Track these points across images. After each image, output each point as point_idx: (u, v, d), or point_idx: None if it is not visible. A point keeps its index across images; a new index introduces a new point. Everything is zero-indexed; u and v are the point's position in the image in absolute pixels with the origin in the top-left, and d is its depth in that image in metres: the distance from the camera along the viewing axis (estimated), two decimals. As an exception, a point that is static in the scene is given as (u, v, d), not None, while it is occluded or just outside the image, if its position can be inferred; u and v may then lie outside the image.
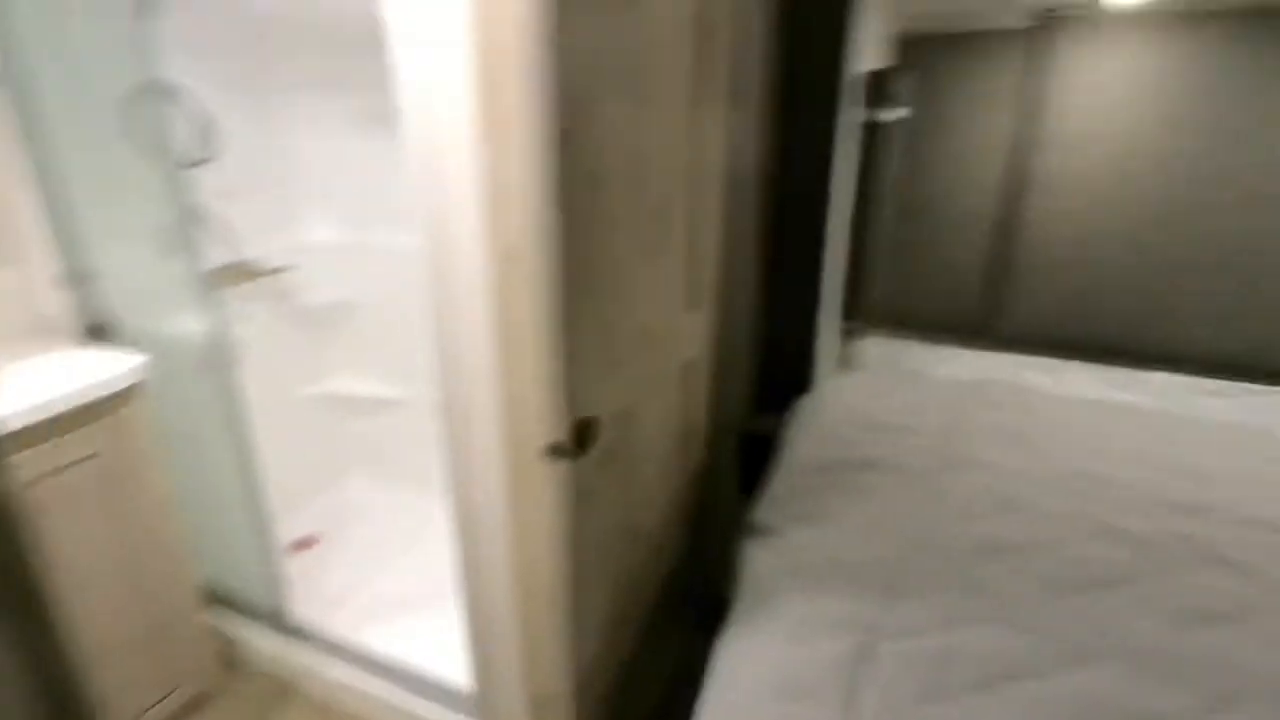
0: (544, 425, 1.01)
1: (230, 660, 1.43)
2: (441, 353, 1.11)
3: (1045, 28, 1.90)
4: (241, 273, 1.56)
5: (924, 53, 2.05)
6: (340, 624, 1.37)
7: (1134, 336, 2.06)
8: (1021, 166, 2.04)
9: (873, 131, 1.78)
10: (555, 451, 1.04)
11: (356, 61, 1.43)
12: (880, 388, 1.86)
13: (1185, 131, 1.86)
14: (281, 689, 1.39)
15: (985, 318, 2.24)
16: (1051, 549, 1.20)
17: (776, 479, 1.47)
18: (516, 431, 1.08)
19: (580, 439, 1.09)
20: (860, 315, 2.09)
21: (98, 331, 1.31)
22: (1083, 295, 2.07)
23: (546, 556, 1.12)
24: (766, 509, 1.37)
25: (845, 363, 2.21)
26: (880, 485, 1.40)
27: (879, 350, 2.21)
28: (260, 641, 1.41)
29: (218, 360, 1.25)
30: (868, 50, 1.79)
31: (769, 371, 1.85)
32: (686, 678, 1.86)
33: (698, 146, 1.41)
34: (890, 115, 1.80)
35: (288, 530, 1.64)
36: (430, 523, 1.75)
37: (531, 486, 1.09)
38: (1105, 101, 1.90)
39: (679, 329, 1.50)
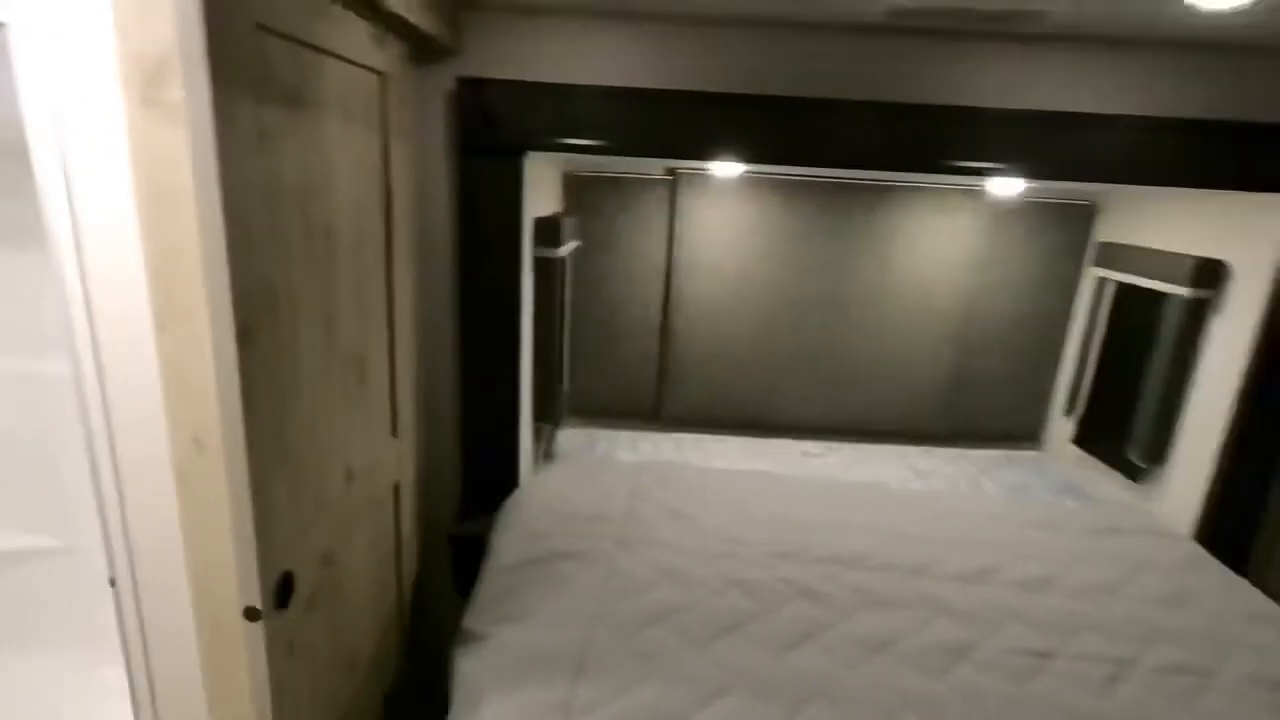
0: (240, 590, 1.05)
1: None
2: (122, 523, 1.09)
3: (676, 181, 2.45)
4: None
5: (592, 190, 2.47)
6: None
7: (759, 413, 2.67)
8: (671, 286, 2.55)
9: (550, 263, 2.10)
10: (251, 614, 1.09)
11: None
12: (573, 479, 2.15)
13: (776, 263, 2.52)
14: None
15: (656, 405, 2.70)
16: (697, 607, 1.55)
17: (483, 583, 1.63)
18: (212, 598, 1.10)
19: (279, 597, 1.14)
20: (556, 413, 2.38)
21: None
22: (722, 384, 2.64)
23: (254, 717, 1.13)
24: (474, 616, 1.52)
25: (546, 457, 2.48)
26: (573, 573, 1.64)
27: (575, 441, 2.53)
28: None
29: None
30: (541, 199, 2.12)
31: (478, 476, 2.02)
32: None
33: (391, 292, 1.56)
34: (564, 250, 2.15)
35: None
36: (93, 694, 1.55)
37: (231, 650, 1.11)
38: (721, 239, 2.50)
39: (384, 458, 1.60)
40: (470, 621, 1.50)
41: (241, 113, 0.90)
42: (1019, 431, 2.78)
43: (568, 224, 2.17)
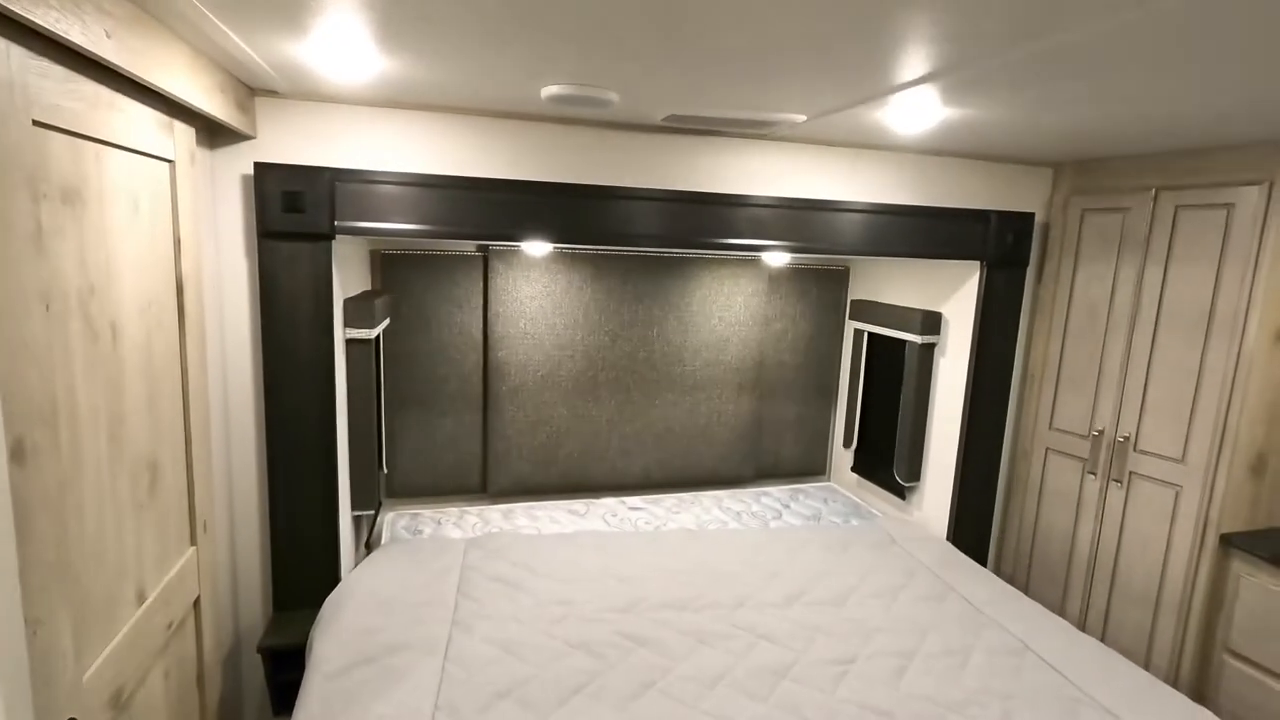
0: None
1: None
2: None
3: (487, 257, 2.52)
4: None
5: (402, 267, 2.46)
6: None
7: (583, 475, 2.76)
8: (489, 358, 2.59)
9: (363, 344, 2.06)
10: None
11: None
12: (400, 564, 2.06)
13: (588, 329, 2.67)
14: None
15: (482, 478, 2.69)
16: (540, 675, 1.56)
17: (307, 696, 1.50)
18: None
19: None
20: (376, 499, 2.28)
21: None
22: (545, 449, 2.70)
23: None
24: (301, 731, 1.40)
25: (367, 546, 2.35)
26: (407, 666, 1.58)
27: (399, 524, 2.42)
28: None
29: None
30: (351, 278, 2.08)
31: (292, 576, 1.87)
32: None
33: (186, 388, 1.45)
34: (377, 330, 2.11)
35: None
36: None
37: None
38: (535, 309, 2.61)
39: (183, 572, 1.45)
40: (295, 739, 1.38)
41: (17, 213, 0.84)
42: (810, 467, 3.16)
43: (379, 303, 2.14)
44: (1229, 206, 1.87)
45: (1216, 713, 1.76)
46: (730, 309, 2.84)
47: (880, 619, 1.89)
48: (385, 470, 2.45)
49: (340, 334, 1.92)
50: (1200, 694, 1.97)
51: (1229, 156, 1.88)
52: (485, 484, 2.71)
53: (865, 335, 2.87)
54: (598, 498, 2.77)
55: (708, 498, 2.85)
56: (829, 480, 3.18)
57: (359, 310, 2.02)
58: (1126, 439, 2.14)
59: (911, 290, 2.67)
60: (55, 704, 0.96)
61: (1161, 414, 2.05)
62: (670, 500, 2.80)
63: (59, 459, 0.97)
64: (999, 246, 2.27)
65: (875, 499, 2.88)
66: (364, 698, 1.47)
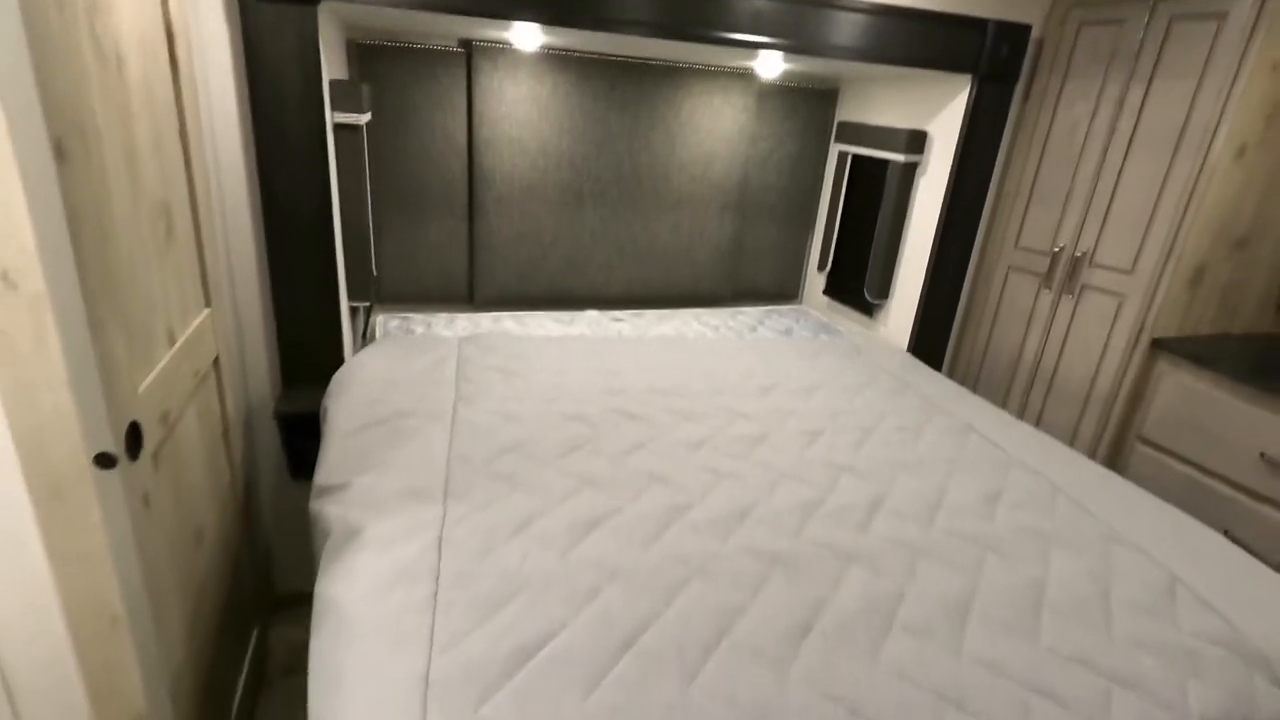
0: (85, 441, 1.00)
1: None
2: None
3: (470, 53, 2.41)
4: None
5: (380, 60, 2.35)
6: None
7: (568, 286, 2.84)
8: (475, 164, 2.55)
9: (352, 131, 2.01)
10: (105, 461, 1.05)
11: None
12: (401, 352, 2.16)
13: (574, 138, 2.63)
14: None
15: (469, 287, 2.74)
16: (542, 438, 1.72)
17: (328, 448, 1.64)
18: (44, 458, 1.02)
19: (130, 444, 1.11)
20: (371, 295, 2.33)
21: None
22: (531, 261, 2.75)
23: (111, 576, 1.10)
24: (327, 473, 1.54)
25: (368, 337, 2.44)
26: (419, 428, 1.72)
27: (394, 324, 2.50)
28: None
29: None
30: (331, 63, 1.99)
31: (298, 355, 1.95)
32: (265, 668, 1.92)
33: (185, 139, 1.43)
34: (365, 118, 2.06)
35: None
36: None
37: (78, 511, 1.05)
38: (522, 115, 2.54)
39: (202, 327, 1.52)
40: (325, 478, 1.53)
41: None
42: (784, 290, 3.29)
43: (365, 90, 2.07)
44: (1221, 17, 1.89)
45: (1122, 484, 2.05)
46: (718, 124, 2.81)
47: (845, 406, 2.09)
48: (375, 273, 2.48)
49: (329, 117, 1.88)
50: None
51: (1232, -36, 1.87)
52: (472, 294, 2.77)
53: (849, 159, 2.90)
54: (582, 310, 2.87)
55: (687, 313, 2.97)
56: (801, 304, 3.33)
57: (345, 93, 1.95)
58: (1084, 254, 2.28)
59: (899, 110, 2.67)
60: (119, 405, 1.05)
61: (1120, 229, 2.18)
62: (651, 315, 2.92)
63: (90, 172, 0.99)
64: (993, 59, 2.27)
65: (844, 320, 3.05)
66: (380, 450, 1.61)
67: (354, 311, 2.31)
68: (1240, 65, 1.86)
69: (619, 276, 2.93)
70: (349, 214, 2.08)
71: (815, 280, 3.22)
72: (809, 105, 2.95)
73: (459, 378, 2.02)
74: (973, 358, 2.75)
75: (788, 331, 2.88)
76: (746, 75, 2.76)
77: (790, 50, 2.12)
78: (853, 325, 2.98)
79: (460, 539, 1.30)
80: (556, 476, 1.56)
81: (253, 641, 1.86)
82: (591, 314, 2.84)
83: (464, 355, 2.18)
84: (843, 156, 2.93)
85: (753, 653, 1.11)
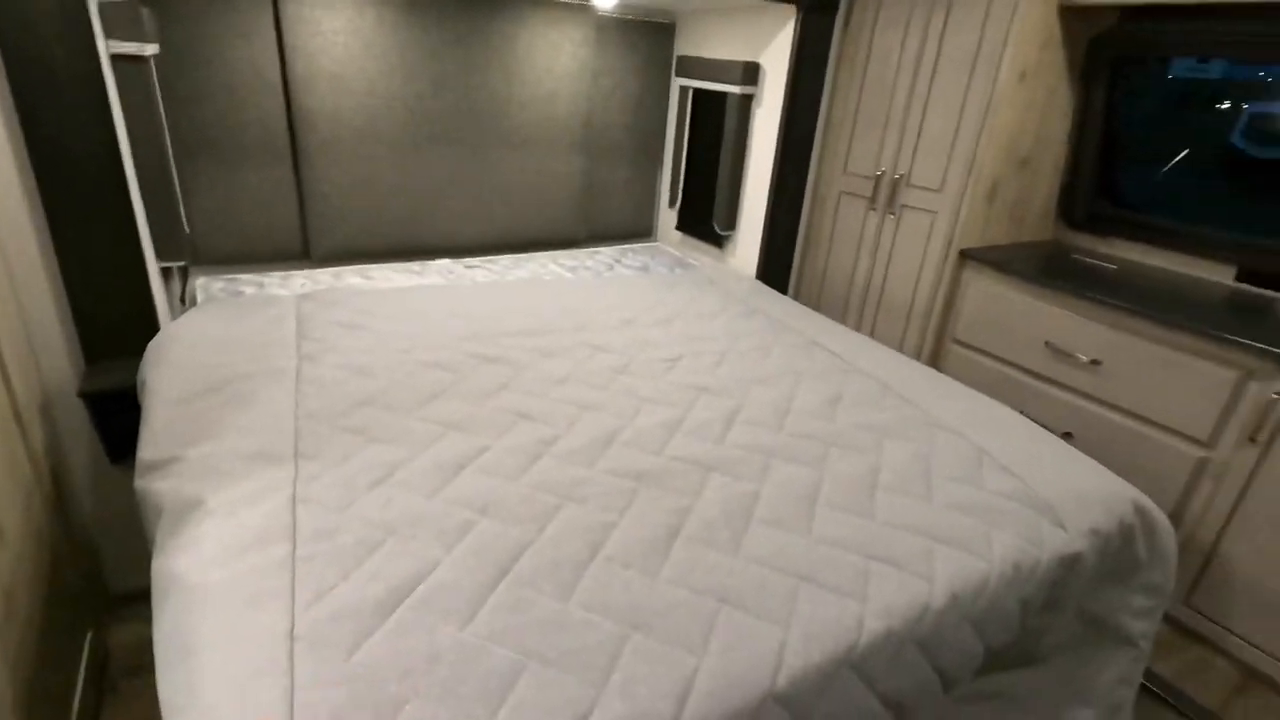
0: None
1: None
2: None
3: (274, -24, 2.16)
4: None
5: (159, -17, 2.05)
6: None
7: (415, 236, 2.70)
8: (293, 104, 2.32)
9: (137, 63, 1.75)
10: None
11: None
12: (230, 313, 1.97)
13: (405, 77, 2.46)
14: None
15: (303, 241, 2.53)
16: (398, 388, 1.66)
17: (152, 420, 1.48)
18: None
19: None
20: (186, 254, 2.09)
21: None
22: (371, 210, 2.58)
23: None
24: (154, 448, 1.40)
25: (187, 302, 2.19)
26: (259, 389, 1.59)
27: (217, 286, 2.26)
28: None
29: None
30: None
31: (101, 326, 1.72)
32: (107, 671, 1.76)
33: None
34: (150, 49, 1.80)
35: None
36: None
37: None
38: (343, 50, 2.34)
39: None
40: (152, 454, 1.38)
41: None
42: (637, 228, 3.33)
43: (146, 13, 1.80)
44: (1003, -50, 2.08)
45: (941, 380, 2.32)
46: (558, 59, 2.74)
47: (701, 331, 2.18)
48: (188, 230, 2.22)
49: (104, 47, 1.62)
50: (932, 375, 2.56)
51: (1009, -99, 2.06)
52: (307, 248, 2.57)
53: (690, 93, 2.94)
54: (432, 259, 2.75)
55: (544, 256, 2.94)
56: (655, 241, 3.39)
57: (122, 17, 1.69)
58: (902, 176, 2.50)
59: (734, 43, 2.74)
60: None
61: (930, 151, 2.40)
62: (507, 259, 2.85)
63: None
64: (814, -10, 2.37)
65: (697, 254, 3.14)
66: (215, 416, 1.48)
67: (166, 274, 2.07)
68: (1019, -4, 2.08)
69: (470, 223, 2.83)
70: (144, 161, 1.83)
71: (668, 217, 3.28)
72: (648, 40, 2.95)
73: (300, 335, 1.88)
74: (814, 280, 2.95)
75: (644, 268, 2.93)
76: (584, 7, 2.69)
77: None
78: (706, 258, 3.09)
79: (317, 494, 1.24)
80: (418, 424, 1.52)
81: (87, 644, 1.68)
82: (443, 263, 2.73)
83: (304, 312, 2.03)
84: (684, 91, 2.97)
85: (624, 564, 1.16)
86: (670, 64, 3.05)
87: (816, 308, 2.94)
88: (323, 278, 2.44)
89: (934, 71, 2.34)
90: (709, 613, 1.08)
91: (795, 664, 1.03)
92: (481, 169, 2.76)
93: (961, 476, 1.52)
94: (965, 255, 2.39)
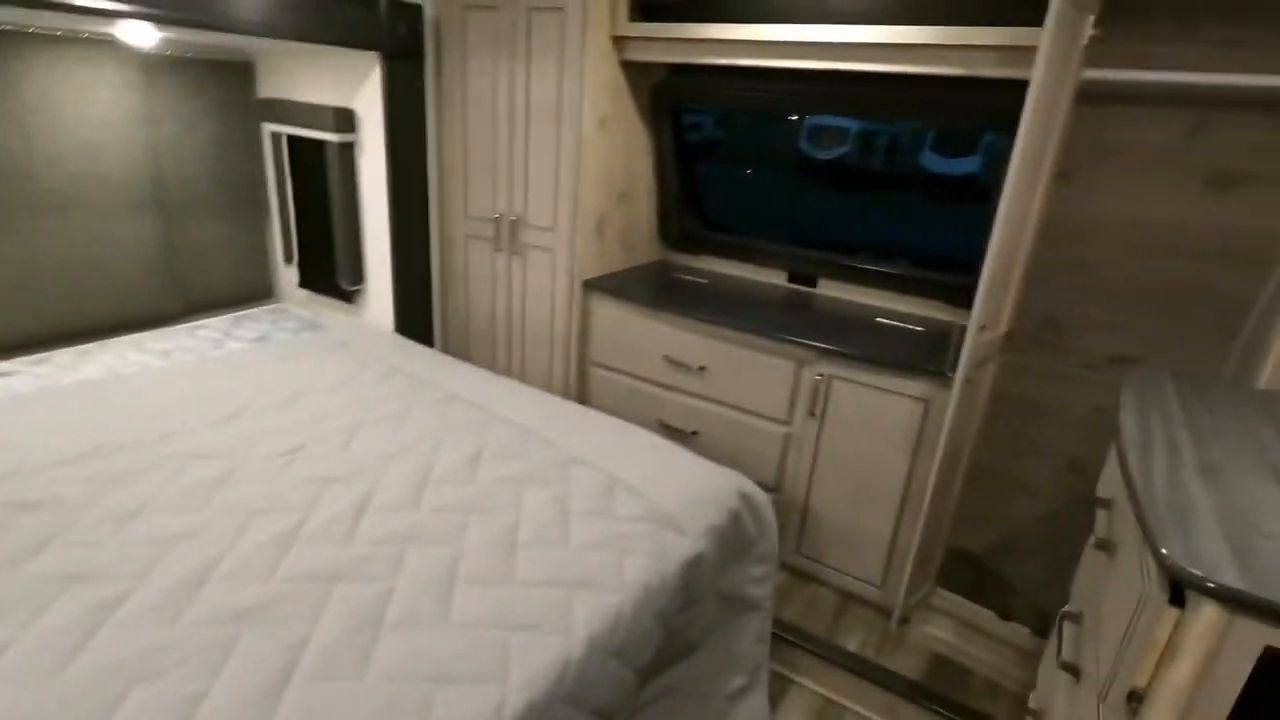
0: None
1: None
2: None
3: None
4: None
5: None
6: None
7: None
8: None
9: None
10: None
11: None
12: None
13: None
14: None
15: None
16: None
17: None
18: None
19: None
20: None
21: None
22: None
23: None
24: None
25: None
26: None
27: None
28: None
29: None
30: None
31: None
32: None
33: None
34: None
35: None
36: None
37: None
38: None
39: None
40: None
41: None
42: (254, 290, 2.93)
43: None
44: (561, 10, 2.27)
45: (587, 404, 2.46)
46: (93, 105, 2.25)
47: (329, 406, 1.98)
48: None
49: None
50: (581, 397, 2.71)
51: (559, -34, 2.25)
52: None
53: (284, 138, 2.67)
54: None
55: (123, 343, 2.40)
56: (278, 302, 3.02)
57: None
58: (518, 218, 2.59)
59: (324, 87, 2.54)
60: None
61: (539, 193, 2.52)
62: (66, 355, 2.27)
63: None
64: (394, 37, 2.31)
65: (328, 310, 2.88)
66: None
67: None
68: (583, 51, 2.28)
69: (3, 313, 2.18)
70: None
71: (290, 274, 2.95)
72: (219, 81, 2.58)
73: None
74: (459, 322, 2.91)
75: (263, 338, 2.59)
76: (113, 44, 2.25)
77: (159, 20, 1.78)
78: (338, 315, 2.84)
79: None
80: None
81: None
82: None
83: None
84: (276, 137, 2.68)
85: (220, 738, 0.97)
86: (250, 106, 2.72)
87: (466, 348, 2.91)
88: None
89: (527, 120, 2.46)
90: (327, 766, 0.96)
91: (431, 786, 0.96)
92: (6, 244, 2.15)
93: (596, 510, 1.60)
94: (588, 285, 2.57)
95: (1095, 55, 1.64)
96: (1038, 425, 2.25)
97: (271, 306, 2.92)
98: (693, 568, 1.56)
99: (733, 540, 1.74)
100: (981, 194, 2.36)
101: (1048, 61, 1.47)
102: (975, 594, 2.27)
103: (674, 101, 2.61)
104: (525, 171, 2.52)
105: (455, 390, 2.15)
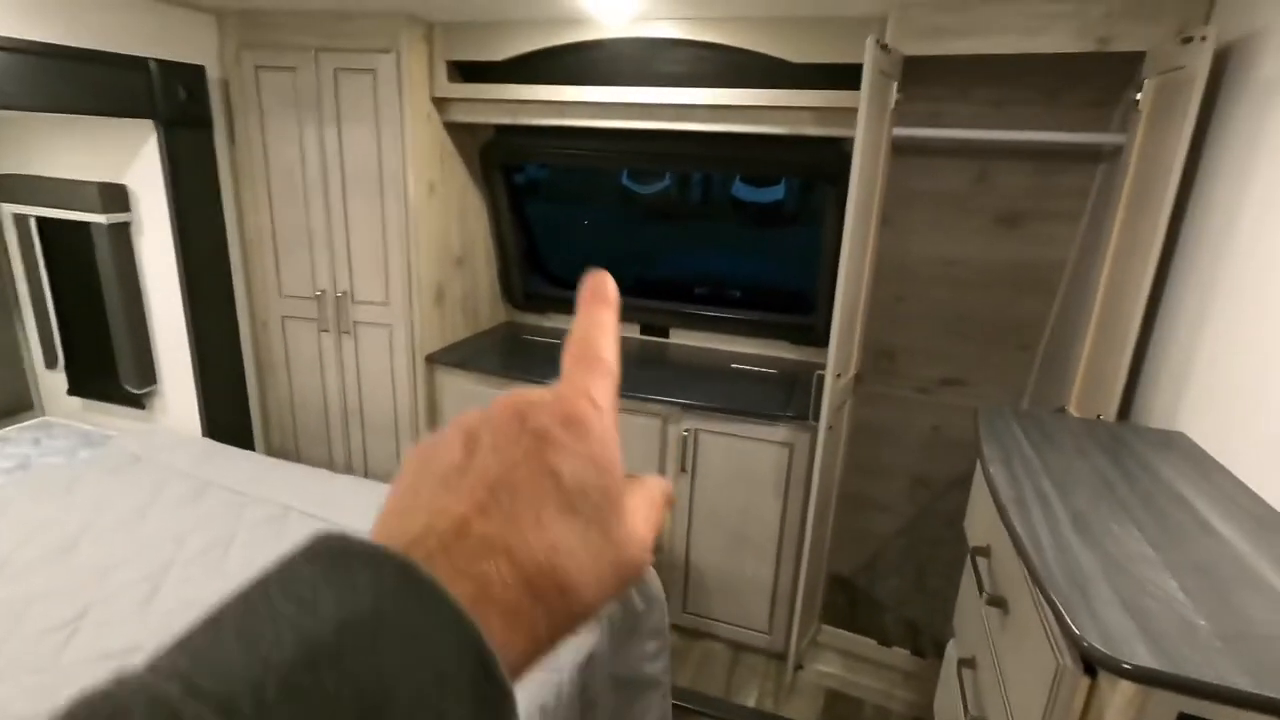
0: None
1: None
2: None
3: None
4: None
5: None
6: None
7: None
8: None
9: None
10: None
11: None
12: None
13: None
14: None
15: None
16: None
17: None
18: None
19: None
20: None
21: None
22: None
23: None
24: None
25: None
26: None
27: None
28: None
29: None
30: None
31: None
32: None
33: None
34: None
35: None
36: None
37: None
38: None
39: None
40: None
41: None
42: (9, 404, 2.39)
43: None
44: (373, 72, 2.10)
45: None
46: None
47: (123, 550, 1.63)
48: None
49: None
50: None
51: (368, 24, 2.08)
52: None
53: (31, 221, 2.21)
54: None
55: None
56: (43, 415, 2.49)
57: None
58: (344, 294, 2.34)
59: (83, 159, 2.15)
60: None
61: (365, 266, 2.30)
62: None
63: None
64: (171, 103, 2.00)
65: (111, 419, 2.41)
66: None
67: None
68: (402, 115, 2.12)
69: None
70: None
71: (56, 381, 2.44)
72: (-66, 156, 2.10)
73: None
74: (283, 414, 2.57)
75: (24, 463, 2.10)
76: None
77: None
78: (125, 423, 2.39)
79: None
80: None
81: None
82: None
83: None
84: (21, 220, 2.22)
85: None
86: (-11, 184, 2.24)
87: (295, 446, 2.57)
88: None
89: (344, 187, 2.24)
90: None
91: None
92: None
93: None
94: (431, 359, 2.37)
95: (901, 114, 1.80)
96: (886, 447, 2.39)
97: (34, 422, 2.40)
98: (587, 668, 1.44)
99: (621, 622, 1.64)
100: (789, 219, 2.57)
101: (867, 119, 1.57)
102: (852, 619, 2.34)
103: (504, 161, 2.52)
104: (347, 243, 2.29)
105: (287, 501, 1.86)
